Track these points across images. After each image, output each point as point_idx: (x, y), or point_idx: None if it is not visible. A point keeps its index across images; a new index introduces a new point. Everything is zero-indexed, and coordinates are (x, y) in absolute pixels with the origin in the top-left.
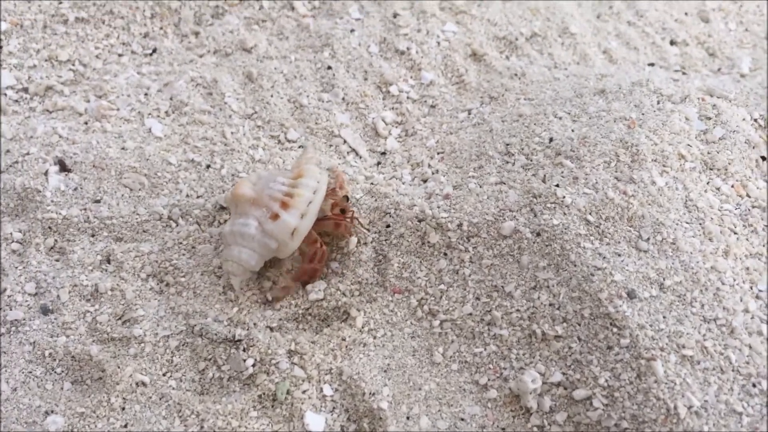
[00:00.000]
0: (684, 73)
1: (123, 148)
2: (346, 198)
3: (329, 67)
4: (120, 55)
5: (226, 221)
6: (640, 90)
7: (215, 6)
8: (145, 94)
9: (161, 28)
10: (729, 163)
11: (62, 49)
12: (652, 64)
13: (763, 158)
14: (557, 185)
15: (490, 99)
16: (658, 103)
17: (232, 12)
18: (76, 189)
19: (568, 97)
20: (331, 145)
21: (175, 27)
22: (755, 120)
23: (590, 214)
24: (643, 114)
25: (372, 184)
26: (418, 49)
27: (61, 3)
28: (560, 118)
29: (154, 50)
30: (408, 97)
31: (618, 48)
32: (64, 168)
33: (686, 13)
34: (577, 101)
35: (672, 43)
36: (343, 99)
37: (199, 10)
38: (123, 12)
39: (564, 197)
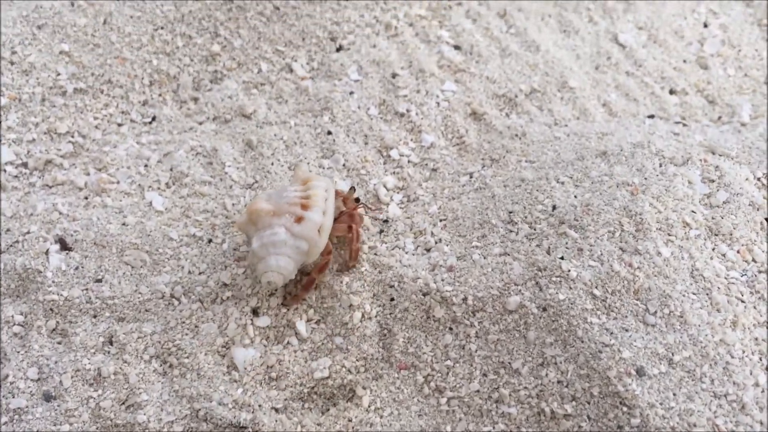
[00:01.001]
0: (684, 125)
1: (124, 224)
2: (353, 189)
3: (329, 132)
4: (119, 125)
5: (245, 251)
6: (642, 152)
7: (214, 71)
8: (145, 166)
9: (160, 95)
10: (734, 228)
11: (61, 122)
12: (652, 116)
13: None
14: (562, 258)
15: (491, 161)
16: (661, 165)
17: (230, 76)
18: (77, 268)
19: (570, 159)
20: None
21: (174, 93)
22: (758, 179)
23: (596, 288)
24: (645, 179)
25: (375, 254)
26: (417, 110)
27: (59, 75)
28: (562, 183)
29: (154, 118)
30: (409, 161)
31: (617, 100)
32: (64, 246)
33: (685, 61)
34: (578, 164)
35: (671, 92)
36: (344, 165)
37: (198, 75)
38: (121, 81)
39: (569, 270)
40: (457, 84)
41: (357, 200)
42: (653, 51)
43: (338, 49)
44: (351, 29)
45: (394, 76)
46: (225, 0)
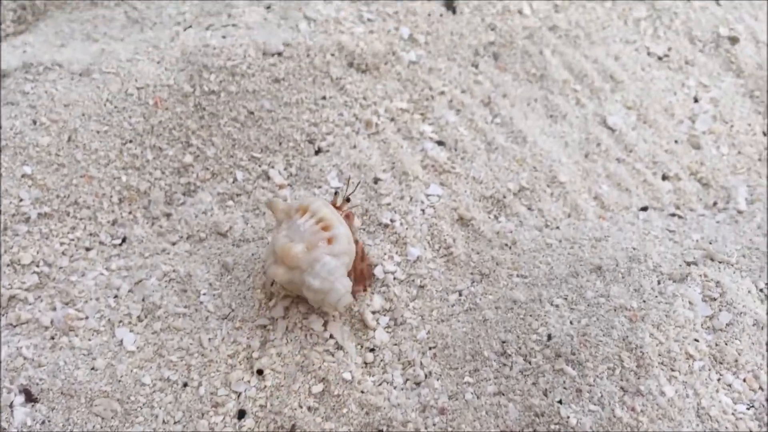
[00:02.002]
0: (680, 216)
1: (93, 368)
2: (348, 199)
3: None
4: (88, 249)
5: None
6: (638, 269)
7: (186, 183)
8: (115, 296)
9: (130, 213)
10: (739, 354)
11: (25, 251)
12: (645, 208)
13: None
14: (560, 401)
15: (480, 276)
16: (659, 283)
17: (204, 188)
18: (43, 422)
19: (563, 275)
20: (316, 343)
21: (145, 210)
22: (761, 290)
23: None
24: (644, 301)
25: (362, 392)
26: (402, 219)
27: (21, 201)
28: (557, 307)
29: (124, 239)
30: (395, 278)
31: (609, 192)
32: (30, 398)
33: (676, 141)
34: (573, 282)
35: (664, 177)
36: None
37: (170, 188)
38: (89, 201)
39: (568, 417)
40: (443, 187)
41: (347, 200)
42: (643, 133)
43: (317, 152)
44: (330, 129)
45: (376, 181)
46: (196, 108)
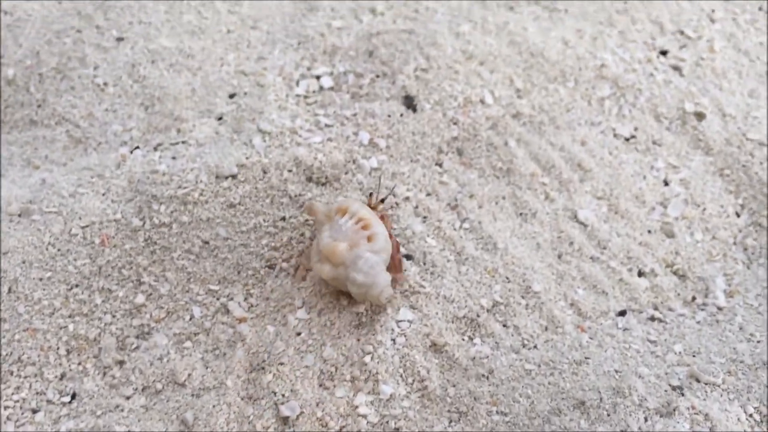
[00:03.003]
0: (660, 320)
1: None
2: (382, 201)
3: (273, 393)
4: (34, 411)
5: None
6: (623, 404)
7: (140, 325)
8: None
9: (80, 364)
10: None
11: None
12: (623, 313)
13: None
14: None
15: (458, 415)
16: (646, 420)
17: (159, 329)
18: None
19: (545, 413)
20: None
21: (96, 359)
22: (750, 415)
23: None
24: None
25: None
26: (373, 353)
27: None
28: None
29: (74, 395)
30: (368, 422)
31: (585, 296)
32: None
33: (649, 231)
34: (556, 422)
35: (640, 274)
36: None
37: (122, 333)
38: (33, 356)
39: None
40: (414, 311)
41: (382, 201)
42: (616, 225)
43: (276, 277)
44: (290, 253)
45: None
46: (147, 242)
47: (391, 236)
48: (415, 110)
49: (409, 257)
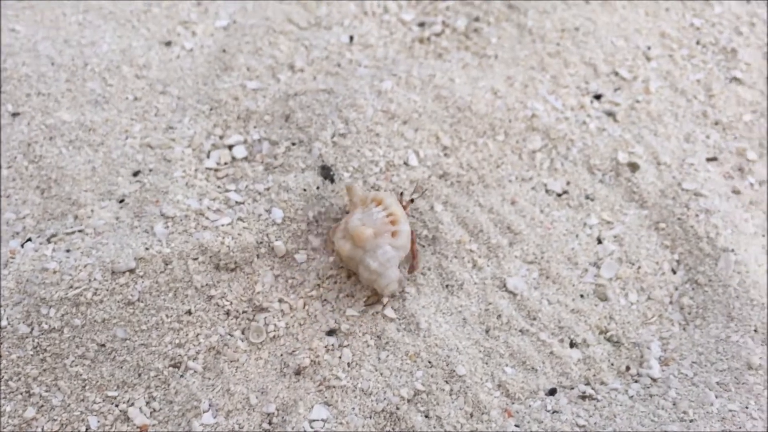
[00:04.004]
0: (591, 398)
1: None
2: (412, 201)
3: None
4: None
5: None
6: None
7: None
8: None
9: None
10: None
11: None
12: (553, 392)
13: None
14: None
15: None
16: None
17: None
18: None
19: None
20: None
21: None
22: None
23: None
24: None
25: None
26: None
27: None
28: None
29: None
30: None
31: (514, 375)
32: None
33: (582, 295)
34: None
35: (572, 344)
36: None
37: None
38: None
39: None
40: (328, 407)
41: (412, 201)
42: (547, 292)
43: (182, 376)
44: (197, 351)
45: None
46: (36, 350)
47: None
48: (332, 181)
49: (330, 333)
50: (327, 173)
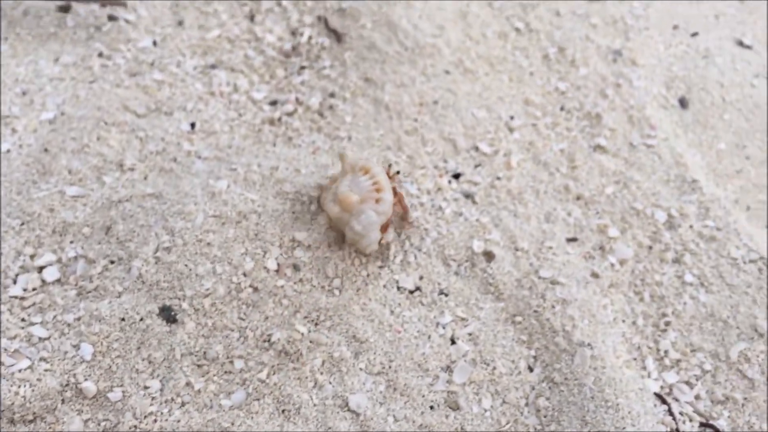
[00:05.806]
0: None
1: None
2: (398, 172)
3: None
4: None
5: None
6: None
7: None
8: None
9: None
10: None
11: None
12: None
13: None
14: None
15: None
16: None
17: None
18: None
19: None
20: None
21: None
22: None
23: None
24: None
25: None
26: None
27: None
28: None
29: None
30: None
31: None
32: None
33: (432, 407)
34: None
35: None
36: None
37: None
38: None
39: None
40: None
41: (398, 172)
42: (393, 407)
43: None
44: None
45: None
46: None
47: (400, 195)
48: (174, 321)
49: None
50: (168, 314)
